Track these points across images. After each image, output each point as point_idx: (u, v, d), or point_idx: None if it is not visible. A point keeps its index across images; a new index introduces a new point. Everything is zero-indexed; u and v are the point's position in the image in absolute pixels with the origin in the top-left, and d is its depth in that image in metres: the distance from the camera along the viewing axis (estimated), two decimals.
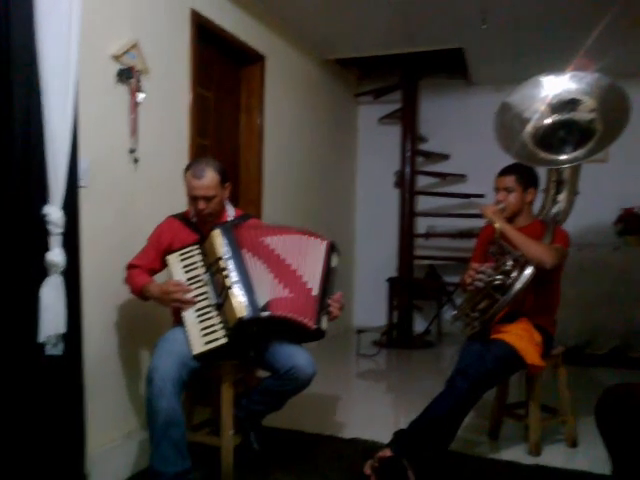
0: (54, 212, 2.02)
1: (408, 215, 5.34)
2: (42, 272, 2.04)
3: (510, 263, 2.42)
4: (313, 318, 2.20)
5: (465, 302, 2.57)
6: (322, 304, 2.25)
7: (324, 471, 2.37)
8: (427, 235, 5.57)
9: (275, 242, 2.29)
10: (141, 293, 2.34)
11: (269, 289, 2.19)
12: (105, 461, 2.43)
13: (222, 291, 2.15)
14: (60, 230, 2.05)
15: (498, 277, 2.42)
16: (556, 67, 2.70)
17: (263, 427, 2.44)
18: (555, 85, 2.64)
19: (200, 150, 3.32)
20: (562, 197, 2.64)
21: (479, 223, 3.28)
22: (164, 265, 2.35)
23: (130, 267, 2.41)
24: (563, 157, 2.54)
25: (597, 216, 4.80)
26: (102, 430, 2.52)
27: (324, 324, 2.26)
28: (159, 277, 2.44)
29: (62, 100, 2.02)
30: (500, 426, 2.83)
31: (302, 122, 4.68)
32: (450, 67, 5.31)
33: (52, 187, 2.02)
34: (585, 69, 2.64)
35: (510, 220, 2.59)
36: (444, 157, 5.61)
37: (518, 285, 2.39)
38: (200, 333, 2.15)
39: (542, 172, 2.69)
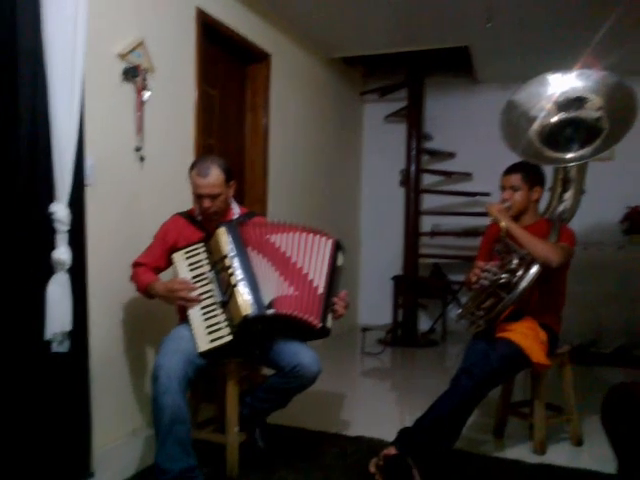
0: (60, 210, 2.03)
1: (413, 213, 5.33)
2: (48, 270, 2.05)
3: (516, 262, 2.42)
4: (319, 316, 2.20)
5: (470, 300, 2.56)
6: (327, 302, 2.25)
7: (329, 469, 2.37)
8: (432, 233, 5.56)
9: (280, 240, 2.29)
10: (146, 291, 2.34)
11: (274, 287, 2.20)
12: (111, 458, 2.44)
13: (227, 289, 2.15)
14: (66, 228, 2.05)
15: (503, 276, 2.41)
16: (562, 65, 2.69)
17: (268, 424, 2.45)
18: (562, 83, 2.63)
19: (205, 148, 3.33)
20: (568, 195, 2.64)
21: (484, 222, 3.27)
22: (170, 263, 2.36)
23: (136, 265, 2.42)
24: (569, 155, 2.53)
25: (603, 215, 4.79)
26: (108, 427, 2.53)
27: (329, 322, 2.26)
28: (165, 275, 2.44)
29: (68, 99, 2.02)
30: (505, 424, 2.83)
31: (307, 120, 4.68)
32: (456, 65, 5.29)
33: (58, 185, 2.03)
34: (592, 67, 2.63)
35: (516, 219, 2.58)
36: (450, 155, 5.60)
37: (523, 284, 2.39)
38: (205, 331, 2.16)
39: (548, 170, 2.68)
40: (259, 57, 3.88)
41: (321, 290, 2.24)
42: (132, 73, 2.62)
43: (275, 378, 2.26)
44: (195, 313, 2.20)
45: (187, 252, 2.30)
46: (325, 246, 2.33)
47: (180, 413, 2.05)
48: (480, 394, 2.32)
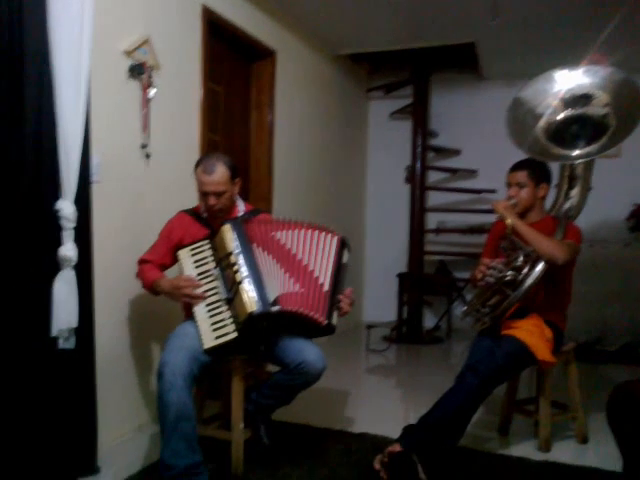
0: (66, 207, 2.04)
1: (419, 210, 5.32)
2: (55, 266, 2.06)
3: (521, 259, 2.41)
4: (324, 313, 2.20)
5: (475, 298, 2.56)
6: (333, 300, 2.25)
7: (333, 465, 2.37)
8: (437, 230, 5.55)
9: (286, 237, 2.29)
10: (152, 288, 2.35)
11: (280, 284, 2.20)
12: (116, 454, 2.46)
13: (232, 286, 2.16)
14: (72, 225, 2.07)
15: (509, 273, 2.40)
16: (569, 62, 2.68)
17: (273, 421, 2.45)
18: (568, 79, 2.62)
19: (211, 146, 3.33)
20: (575, 192, 2.63)
21: (490, 219, 3.27)
22: (175, 260, 2.37)
23: (141, 262, 2.43)
24: (576, 152, 2.52)
25: (609, 212, 4.77)
26: (113, 423, 2.55)
27: (335, 320, 2.26)
28: (171, 272, 2.45)
29: (74, 96, 2.03)
30: (510, 422, 2.82)
31: (313, 117, 4.67)
32: (461, 62, 5.28)
33: (64, 182, 2.04)
34: (599, 63, 2.62)
35: (522, 216, 2.57)
36: (455, 152, 5.59)
37: (529, 281, 2.38)
38: (210, 328, 2.16)
39: (555, 167, 2.67)
40: (264, 54, 3.88)
41: (327, 287, 2.24)
42: (138, 70, 2.63)
43: (280, 375, 2.26)
44: (200, 310, 2.20)
45: (192, 249, 2.30)
46: (331, 243, 2.33)
47: (185, 410, 2.05)
48: (485, 391, 2.31)
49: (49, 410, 2.07)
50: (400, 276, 5.39)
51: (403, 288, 5.34)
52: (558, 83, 2.63)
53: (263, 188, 3.95)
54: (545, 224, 2.57)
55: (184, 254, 2.30)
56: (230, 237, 2.19)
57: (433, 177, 5.64)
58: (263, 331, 2.21)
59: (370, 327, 4.97)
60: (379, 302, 5.73)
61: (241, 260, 2.16)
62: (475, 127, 5.44)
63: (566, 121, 2.61)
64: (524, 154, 2.58)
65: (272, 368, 2.38)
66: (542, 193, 2.62)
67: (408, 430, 2.32)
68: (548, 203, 2.71)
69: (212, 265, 2.26)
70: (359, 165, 5.82)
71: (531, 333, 2.42)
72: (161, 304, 2.55)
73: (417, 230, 5.32)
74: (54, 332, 2.05)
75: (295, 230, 2.31)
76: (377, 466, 2.22)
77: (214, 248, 2.27)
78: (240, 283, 2.12)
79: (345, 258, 2.36)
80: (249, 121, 3.94)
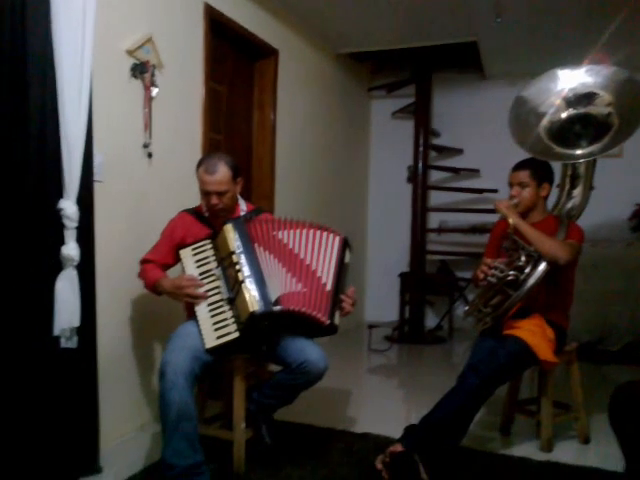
0: (69, 206, 2.04)
1: (421, 210, 5.32)
2: (57, 266, 2.06)
3: (523, 259, 2.41)
4: (327, 313, 2.19)
5: (477, 298, 2.56)
6: (335, 299, 2.25)
7: (335, 465, 2.37)
8: (439, 230, 5.55)
9: (288, 236, 2.29)
10: (154, 288, 2.35)
11: (282, 283, 2.20)
12: (118, 453, 2.46)
13: (234, 285, 2.15)
14: (75, 224, 2.07)
15: (511, 273, 2.40)
16: (571, 61, 2.67)
17: (275, 421, 2.45)
18: (571, 79, 2.61)
19: (213, 145, 3.33)
20: (577, 192, 2.62)
21: (492, 218, 3.27)
22: (177, 260, 2.37)
23: (144, 262, 2.43)
24: (578, 152, 2.51)
25: (611, 212, 4.76)
26: (116, 423, 2.55)
27: (337, 319, 2.25)
28: (173, 272, 2.45)
29: (77, 96, 2.03)
30: (512, 422, 2.82)
31: (315, 116, 4.67)
32: (464, 61, 5.27)
33: (67, 182, 2.04)
34: (602, 63, 2.61)
35: (524, 215, 2.57)
36: (457, 152, 5.59)
37: (531, 281, 2.38)
38: (212, 327, 2.16)
39: (557, 167, 2.67)
40: (267, 53, 3.88)
41: (329, 287, 2.24)
42: (140, 69, 2.63)
43: (282, 374, 2.26)
44: (202, 309, 2.20)
45: (194, 249, 2.30)
46: (333, 243, 2.32)
47: (187, 409, 2.05)
48: (487, 391, 2.31)
49: (51, 409, 2.07)
50: (402, 276, 5.39)
51: (405, 288, 5.34)
52: (561, 82, 2.62)
53: (265, 188, 3.95)
54: (547, 224, 2.57)
55: (186, 254, 2.31)
56: (232, 237, 2.19)
57: (435, 176, 5.63)
58: (265, 331, 2.21)
59: (372, 327, 4.96)
60: (381, 302, 5.73)
61: (243, 260, 2.16)
62: (477, 126, 5.43)
63: (569, 120, 2.60)
64: (526, 153, 2.57)
65: (274, 368, 2.37)
66: (544, 193, 2.62)
67: (410, 430, 2.32)
68: (550, 203, 2.70)
69: (214, 265, 2.26)
70: (361, 164, 5.82)
71: (533, 333, 2.41)
72: (163, 304, 2.55)
73: (419, 230, 5.32)
74: (56, 331, 2.06)
75: (297, 230, 2.31)
76: (379, 466, 2.22)
77: (216, 248, 2.27)
78: (242, 283, 2.12)
79: (347, 258, 2.36)
80: (251, 120, 3.94)
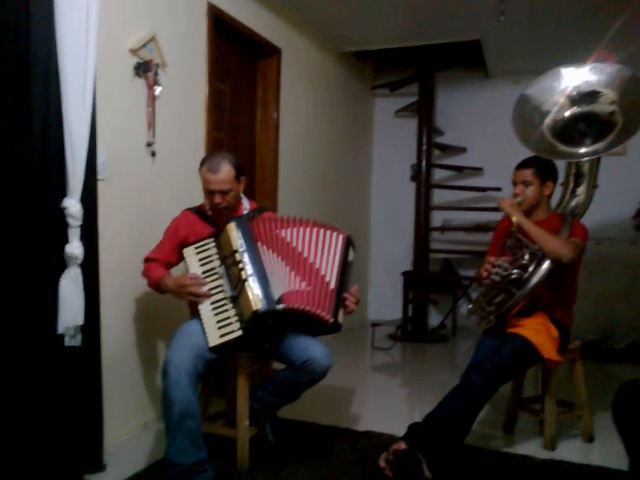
0: (73, 205, 2.05)
1: (424, 208, 5.31)
2: (61, 264, 2.06)
3: (527, 257, 2.40)
4: (330, 311, 2.20)
5: (481, 296, 2.56)
6: (339, 298, 2.25)
7: (338, 463, 2.38)
8: (443, 229, 5.55)
9: (291, 235, 2.29)
10: (157, 286, 2.36)
11: (285, 282, 2.20)
12: (122, 451, 2.47)
13: (237, 284, 2.16)
14: (79, 223, 2.07)
15: (515, 271, 2.40)
16: (575, 59, 2.67)
17: (278, 419, 2.46)
18: (575, 77, 2.61)
19: (216, 144, 3.33)
20: (581, 190, 2.62)
21: (495, 217, 3.27)
22: (181, 258, 2.37)
23: (147, 260, 2.44)
24: (582, 150, 2.51)
25: (615, 210, 4.74)
26: (119, 421, 2.56)
27: (340, 318, 2.26)
28: (176, 270, 2.46)
29: (80, 94, 2.04)
30: (515, 420, 2.82)
31: (318, 115, 4.67)
32: (467, 59, 5.26)
33: (71, 180, 2.05)
34: (606, 61, 2.61)
35: (528, 214, 2.56)
36: (460, 150, 5.58)
37: (535, 279, 2.38)
38: (215, 326, 2.17)
39: (561, 165, 2.66)
40: (270, 52, 3.88)
41: (333, 285, 2.24)
42: (144, 68, 2.63)
43: (286, 372, 2.27)
44: (205, 308, 2.21)
45: (197, 247, 2.31)
46: (336, 241, 2.33)
47: (190, 407, 2.05)
48: (490, 390, 2.31)
49: (56, 407, 2.08)
50: (405, 274, 5.39)
51: (408, 286, 5.34)
52: (565, 80, 2.62)
53: (268, 186, 3.95)
54: (551, 222, 2.56)
55: (189, 252, 2.31)
56: (235, 235, 2.19)
57: (438, 175, 5.63)
58: (268, 329, 2.21)
59: (375, 325, 4.97)
60: (384, 300, 5.73)
61: (246, 258, 2.16)
62: (481, 125, 5.43)
63: (572, 119, 2.60)
64: (530, 152, 2.57)
65: (278, 366, 2.38)
66: (548, 191, 2.61)
67: (413, 428, 2.32)
68: (554, 201, 2.70)
69: (217, 263, 2.26)
70: (364, 163, 5.81)
71: (537, 331, 2.41)
72: (167, 302, 2.56)
73: (422, 228, 5.31)
74: (60, 330, 2.06)
75: (300, 228, 2.31)
76: (382, 464, 2.22)
77: (219, 246, 2.28)
78: (245, 281, 2.12)
79: (351, 256, 2.37)
80: (254, 119, 3.94)
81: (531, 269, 2.39)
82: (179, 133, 2.95)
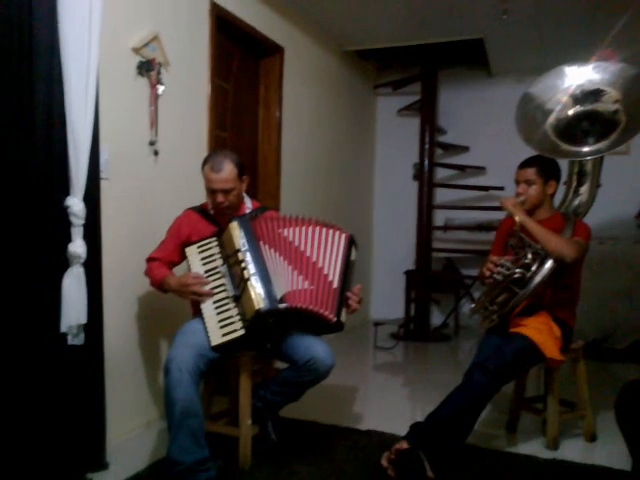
0: (76, 204, 2.05)
1: (426, 207, 5.30)
2: (64, 263, 2.07)
3: (530, 256, 2.40)
4: (333, 310, 2.20)
5: (483, 295, 2.55)
6: (342, 297, 2.25)
7: (340, 462, 2.38)
8: (445, 228, 5.54)
9: (294, 234, 2.29)
10: (160, 286, 2.36)
11: (287, 281, 2.20)
12: (125, 450, 2.47)
13: (240, 283, 2.16)
14: (82, 221, 2.07)
15: (517, 270, 2.39)
16: (579, 58, 2.67)
17: (280, 418, 2.46)
18: (578, 75, 2.61)
19: (219, 143, 3.33)
20: (584, 190, 2.62)
21: (498, 216, 3.26)
22: (183, 257, 2.37)
23: (150, 260, 2.44)
24: (586, 149, 2.51)
25: (618, 209, 4.73)
26: (122, 419, 2.56)
27: (343, 317, 2.26)
28: (179, 269, 2.46)
29: (83, 93, 2.04)
30: (518, 420, 2.82)
31: (320, 114, 4.67)
32: (470, 58, 5.25)
33: (74, 179, 2.05)
34: (609, 59, 2.60)
35: (530, 213, 2.56)
36: (463, 149, 5.57)
37: (537, 278, 2.37)
38: (218, 325, 2.17)
39: (564, 164, 2.65)
40: (272, 51, 3.88)
41: (335, 284, 2.24)
42: (146, 67, 2.63)
43: (289, 371, 2.27)
44: (208, 307, 2.21)
45: (200, 246, 2.31)
46: (339, 240, 2.33)
47: (192, 406, 2.05)
48: (493, 389, 2.31)
49: (58, 406, 2.08)
50: (408, 273, 5.38)
51: (410, 285, 5.33)
52: (568, 79, 2.62)
53: (271, 185, 3.95)
54: (554, 221, 2.56)
55: (191, 251, 2.31)
56: (237, 234, 2.19)
57: (441, 174, 5.62)
58: (271, 328, 2.21)
59: (377, 324, 4.97)
60: (386, 299, 5.73)
61: (248, 257, 2.16)
62: (483, 124, 5.42)
63: (576, 117, 2.59)
64: (533, 151, 2.56)
65: (280, 365, 2.38)
66: (551, 190, 2.60)
67: (415, 427, 2.32)
68: (557, 200, 2.69)
69: (219, 262, 2.26)
70: (367, 162, 5.81)
71: (539, 331, 2.41)
72: (169, 301, 2.56)
73: (425, 227, 5.31)
74: (63, 328, 2.06)
75: (303, 227, 2.31)
76: (384, 463, 2.22)
77: (221, 245, 2.28)
78: (247, 280, 2.12)
79: (353, 255, 2.36)
80: (257, 118, 3.94)
81: (534, 268, 2.38)
82: (181, 132, 2.95)
